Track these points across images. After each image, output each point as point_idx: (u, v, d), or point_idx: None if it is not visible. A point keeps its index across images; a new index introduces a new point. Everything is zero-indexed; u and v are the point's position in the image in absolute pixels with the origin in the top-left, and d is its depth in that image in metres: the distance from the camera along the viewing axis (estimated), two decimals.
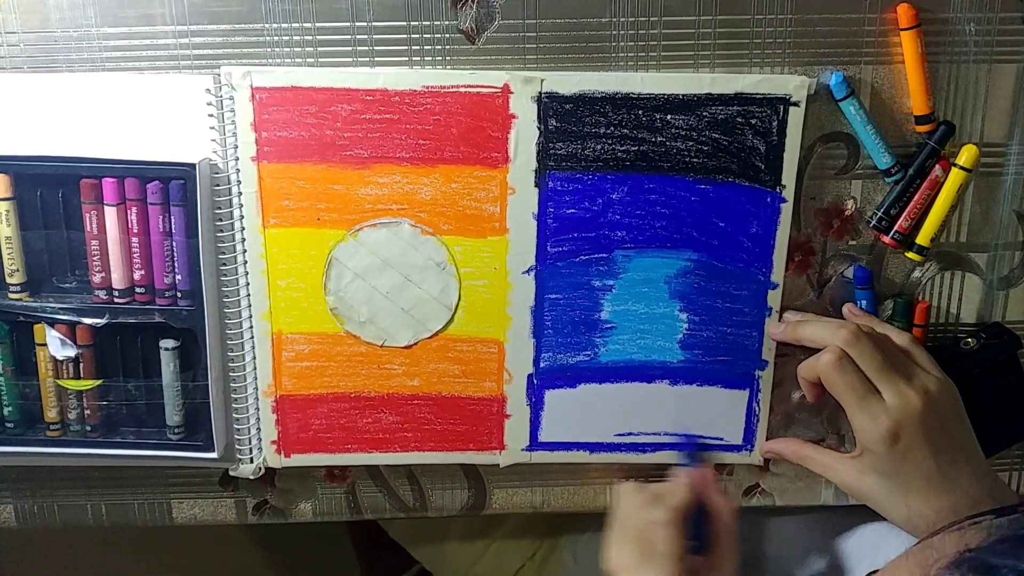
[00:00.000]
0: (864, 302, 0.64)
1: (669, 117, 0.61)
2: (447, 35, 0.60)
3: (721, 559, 0.61)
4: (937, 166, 0.62)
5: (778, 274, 0.64)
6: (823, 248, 0.64)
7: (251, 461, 0.66)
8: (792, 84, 0.60)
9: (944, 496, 0.57)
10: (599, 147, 0.61)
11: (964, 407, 0.60)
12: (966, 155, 0.62)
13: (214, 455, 0.65)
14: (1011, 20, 0.61)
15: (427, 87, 0.60)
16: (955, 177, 0.62)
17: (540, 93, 0.60)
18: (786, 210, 0.62)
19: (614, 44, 0.61)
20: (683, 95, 0.60)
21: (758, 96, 0.60)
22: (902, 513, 0.58)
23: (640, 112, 0.61)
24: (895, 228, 0.63)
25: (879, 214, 0.63)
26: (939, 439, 0.57)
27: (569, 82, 0.60)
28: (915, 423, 0.57)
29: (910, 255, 0.64)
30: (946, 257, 0.65)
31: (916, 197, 0.63)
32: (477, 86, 0.60)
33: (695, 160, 0.62)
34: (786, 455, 0.67)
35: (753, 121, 0.61)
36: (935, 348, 0.66)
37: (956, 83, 0.62)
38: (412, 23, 0.60)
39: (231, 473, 0.67)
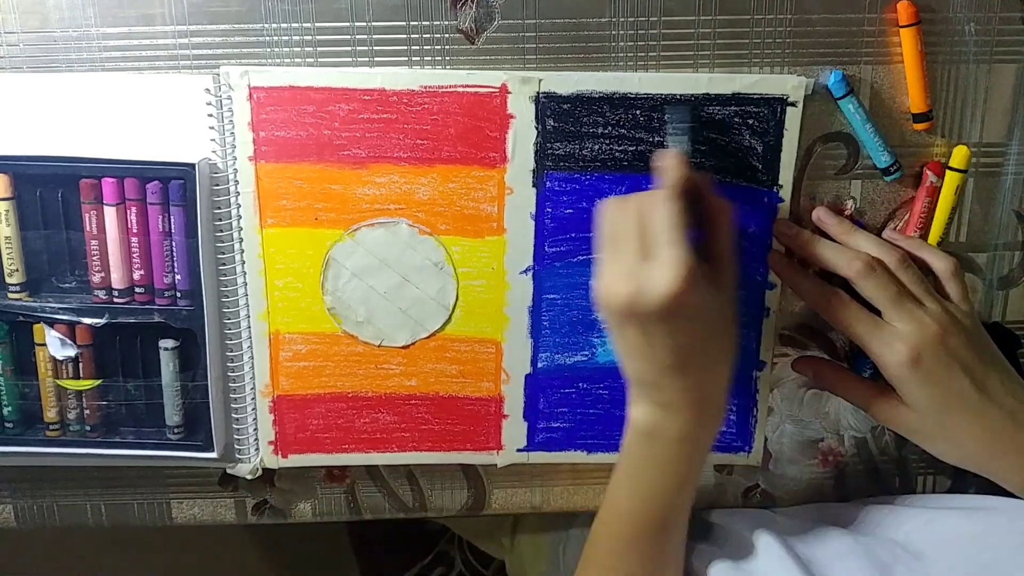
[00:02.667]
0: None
1: (667, 117, 0.61)
2: (447, 35, 0.60)
3: (721, 268, 0.55)
4: (930, 172, 0.62)
5: (775, 275, 0.64)
6: None
7: (250, 461, 0.66)
8: (789, 84, 0.60)
9: (982, 415, 0.57)
10: (597, 147, 0.61)
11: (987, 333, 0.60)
12: (958, 156, 0.62)
13: (213, 455, 0.65)
14: (1011, 20, 0.61)
15: (425, 87, 0.60)
16: (950, 180, 0.62)
17: (538, 93, 0.60)
18: (783, 209, 0.62)
19: (614, 44, 0.61)
20: (680, 95, 0.60)
21: (755, 96, 0.60)
22: (943, 444, 0.59)
23: (638, 112, 0.61)
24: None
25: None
26: (964, 357, 0.57)
27: (567, 82, 0.60)
28: (934, 344, 0.57)
29: None
30: None
31: (917, 207, 0.63)
32: (475, 86, 0.60)
33: (693, 160, 0.61)
34: (816, 374, 0.65)
35: (750, 121, 0.61)
36: None
37: (956, 83, 0.62)
38: (412, 23, 0.60)
39: (229, 472, 0.67)
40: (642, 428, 0.55)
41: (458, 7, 0.60)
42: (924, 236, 0.63)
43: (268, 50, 0.60)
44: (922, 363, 0.57)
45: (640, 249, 0.50)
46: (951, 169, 0.62)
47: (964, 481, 0.70)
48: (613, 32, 0.60)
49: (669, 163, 0.53)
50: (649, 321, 0.50)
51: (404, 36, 0.60)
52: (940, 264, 0.61)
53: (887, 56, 0.61)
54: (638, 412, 0.55)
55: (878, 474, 0.70)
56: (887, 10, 0.60)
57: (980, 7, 0.60)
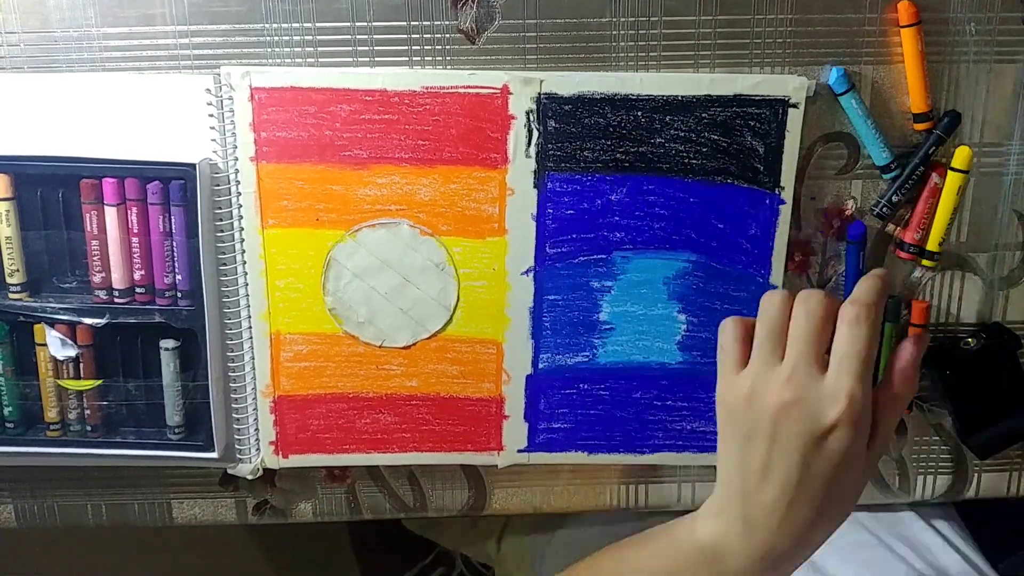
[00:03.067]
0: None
1: (668, 118, 0.61)
2: (447, 35, 0.60)
3: (882, 425, 0.49)
4: (934, 173, 0.62)
5: (777, 276, 0.64)
6: (823, 248, 0.64)
7: (250, 461, 0.66)
8: (791, 86, 0.60)
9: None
10: (598, 148, 0.61)
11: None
12: (960, 157, 0.62)
13: (214, 455, 0.65)
14: (1011, 20, 0.61)
15: (426, 88, 0.60)
16: (952, 180, 0.62)
17: (539, 94, 0.60)
18: (785, 212, 0.62)
19: (614, 44, 0.61)
20: (682, 96, 0.60)
21: (757, 98, 0.60)
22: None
23: (639, 113, 0.61)
24: (908, 241, 0.63)
25: (882, 202, 0.63)
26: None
27: (568, 83, 0.60)
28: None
29: (925, 263, 0.64)
30: (946, 257, 0.65)
31: (920, 207, 0.63)
32: (476, 87, 0.60)
33: (694, 162, 0.62)
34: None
35: (752, 123, 0.61)
36: (935, 348, 0.66)
37: (956, 83, 0.62)
38: (412, 23, 0.60)
39: (230, 472, 0.67)
40: (716, 545, 0.49)
41: (459, 7, 0.60)
42: (926, 236, 0.63)
43: (268, 50, 0.60)
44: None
45: (816, 361, 0.46)
46: (953, 170, 0.62)
47: (963, 481, 0.70)
48: (614, 32, 0.60)
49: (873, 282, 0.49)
50: (791, 440, 0.46)
51: (405, 36, 0.60)
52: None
53: (887, 56, 0.61)
54: (707, 525, 0.49)
55: (878, 474, 0.70)
56: (887, 10, 0.60)
57: (980, 7, 0.60)
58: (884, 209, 0.63)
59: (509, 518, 0.87)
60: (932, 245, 0.63)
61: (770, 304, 0.51)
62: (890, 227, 0.64)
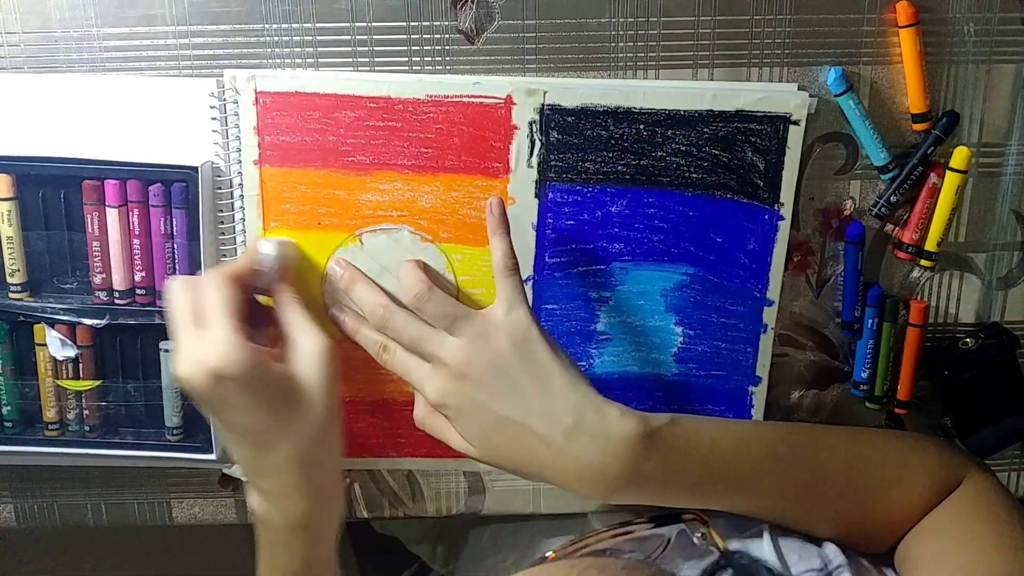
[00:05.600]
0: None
1: (670, 132, 0.61)
2: (447, 35, 0.60)
3: (295, 337, 0.57)
4: (932, 173, 0.62)
5: (774, 291, 0.64)
6: (822, 248, 0.65)
7: None
8: (793, 103, 0.60)
9: (522, 442, 0.55)
10: (599, 160, 0.61)
11: (542, 339, 0.56)
12: (958, 157, 0.62)
13: (212, 456, 0.65)
14: (1011, 20, 0.61)
15: (430, 96, 0.60)
16: (951, 180, 0.62)
17: (542, 105, 0.60)
18: (783, 227, 0.62)
19: (614, 44, 0.61)
20: (684, 111, 0.60)
21: (758, 114, 0.60)
22: (498, 463, 0.58)
23: (641, 127, 0.61)
24: (906, 241, 0.64)
25: (880, 202, 0.63)
26: (491, 391, 0.55)
27: (572, 95, 0.60)
28: (452, 385, 0.56)
29: (924, 263, 0.64)
30: (945, 257, 0.65)
31: (918, 207, 0.63)
32: (480, 96, 0.60)
33: (694, 176, 0.62)
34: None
35: (753, 139, 0.61)
36: (933, 348, 0.66)
37: (955, 83, 0.62)
38: (412, 24, 0.60)
39: (226, 472, 0.67)
40: (256, 514, 0.57)
41: (458, 8, 0.60)
42: (924, 236, 0.63)
43: (269, 51, 0.60)
44: (447, 405, 0.57)
45: (195, 327, 0.52)
46: (951, 170, 0.62)
47: None
48: (613, 32, 0.60)
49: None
50: (207, 397, 0.52)
51: (404, 37, 0.60)
52: (495, 258, 0.58)
53: (887, 56, 0.61)
54: (249, 498, 0.58)
55: None
56: (886, 10, 0.60)
57: (980, 7, 0.60)
58: (882, 209, 0.63)
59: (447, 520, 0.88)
60: (930, 245, 0.64)
61: (170, 292, 0.56)
62: (888, 227, 0.64)
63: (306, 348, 0.56)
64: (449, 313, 0.57)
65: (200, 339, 0.52)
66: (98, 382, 0.64)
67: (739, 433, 0.59)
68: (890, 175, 0.62)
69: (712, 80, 0.61)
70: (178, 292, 0.54)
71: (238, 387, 0.51)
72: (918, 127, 0.62)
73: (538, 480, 0.59)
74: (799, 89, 0.61)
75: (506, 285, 0.58)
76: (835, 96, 0.61)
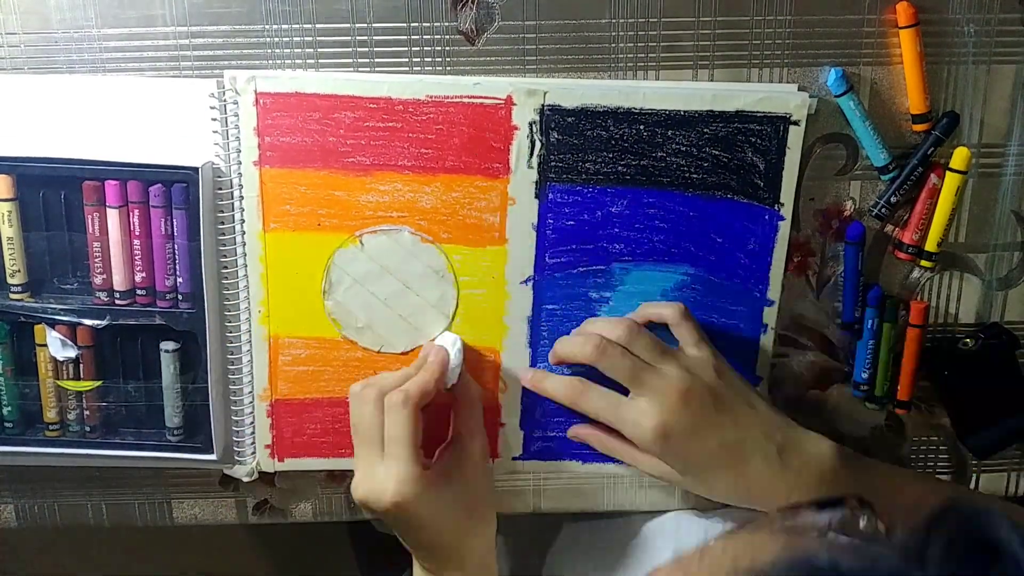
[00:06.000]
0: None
1: (670, 133, 0.61)
2: (447, 36, 0.60)
3: (465, 440, 0.61)
4: (932, 174, 0.62)
5: (774, 291, 0.64)
6: (822, 249, 0.65)
7: (248, 464, 0.66)
8: (793, 103, 0.60)
9: (738, 469, 0.59)
10: (600, 160, 0.61)
11: (732, 369, 0.61)
12: (959, 158, 0.62)
13: (213, 457, 0.65)
14: (1010, 21, 0.61)
15: (431, 96, 0.60)
16: (951, 181, 0.62)
17: (543, 105, 0.60)
18: (784, 228, 0.62)
19: (614, 44, 0.61)
20: (684, 111, 0.60)
21: (759, 114, 0.60)
22: (712, 494, 0.61)
23: (642, 127, 0.61)
24: (906, 241, 0.64)
25: (880, 203, 0.63)
26: (709, 415, 0.58)
27: (572, 95, 0.60)
28: (675, 413, 0.58)
29: (924, 263, 0.64)
30: (945, 257, 0.65)
31: (918, 208, 0.63)
32: (480, 97, 0.60)
33: (695, 176, 0.62)
34: (592, 443, 0.65)
35: (753, 139, 0.61)
36: (934, 348, 0.66)
37: (955, 84, 0.62)
38: (412, 24, 0.60)
39: (226, 473, 0.67)
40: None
41: (458, 8, 0.60)
42: (924, 237, 0.63)
43: (269, 51, 0.60)
44: (669, 435, 0.58)
45: (378, 452, 0.57)
46: (951, 170, 0.62)
47: (963, 481, 0.70)
48: (613, 33, 0.60)
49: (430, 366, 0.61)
50: (384, 519, 0.58)
51: (404, 37, 0.60)
52: (666, 312, 0.61)
53: (887, 57, 0.61)
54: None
55: None
56: (886, 11, 0.60)
57: (979, 8, 0.60)
58: (883, 210, 0.63)
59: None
60: (930, 246, 0.64)
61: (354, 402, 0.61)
62: (888, 228, 0.64)
63: (476, 450, 0.61)
64: (658, 347, 0.60)
65: (382, 467, 0.57)
66: (98, 382, 0.64)
67: (914, 489, 0.61)
68: (890, 176, 0.62)
69: (712, 81, 0.61)
70: (368, 411, 0.58)
71: (413, 515, 0.57)
72: (918, 128, 0.62)
73: (751, 505, 0.61)
74: (799, 90, 0.61)
75: (688, 327, 0.61)
76: (835, 97, 0.61)
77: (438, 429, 0.63)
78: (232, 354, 0.64)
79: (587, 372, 0.62)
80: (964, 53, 0.61)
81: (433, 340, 0.64)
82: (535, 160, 0.61)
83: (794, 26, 0.61)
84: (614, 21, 0.60)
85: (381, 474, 0.56)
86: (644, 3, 0.60)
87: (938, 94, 0.62)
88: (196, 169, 0.59)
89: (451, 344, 0.62)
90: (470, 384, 0.63)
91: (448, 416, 0.63)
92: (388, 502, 0.56)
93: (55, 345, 0.63)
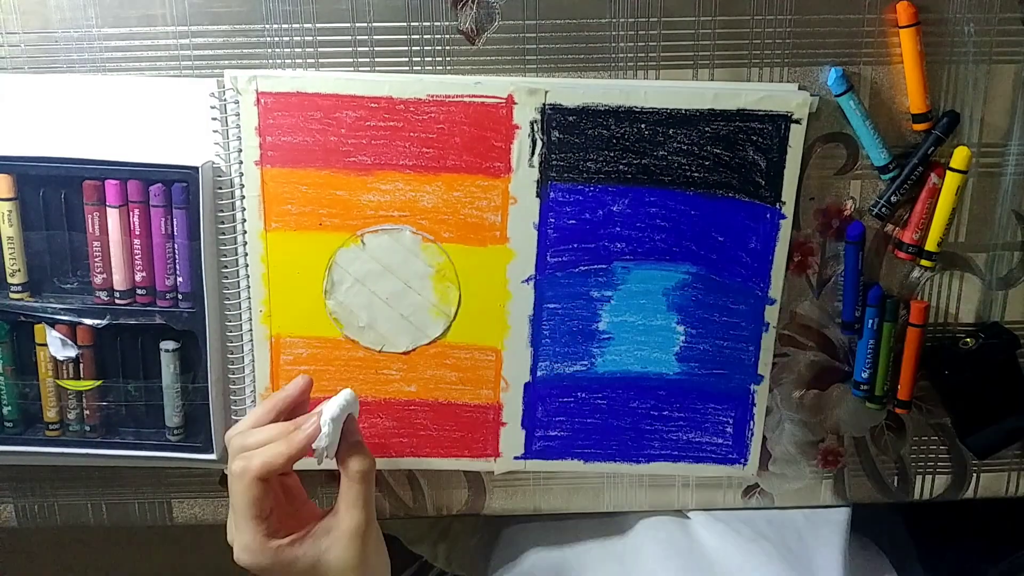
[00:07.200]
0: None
1: (671, 131, 0.61)
2: (447, 36, 0.60)
3: (341, 515, 0.57)
4: (933, 173, 0.62)
5: (776, 290, 0.64)
6: (823, 248, 0.65)
7: None
8: (794, 102, 0.60)
9: None
10: (601, 159, 0.61)
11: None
12: (959, 157, 0.62)
13: (213, 456, 0.65)
14: (1010, 20, 0.61)
15: (432, 96, 0.60)
16: (951, 180, 0.62)
17: (544, 104, 0.60)
18: (785, 226, 0.62)
19: (614, 44, 0.61)
20: (686, 110, 0.60)
21: (760, 113, 0.60)
22: None
23: (643, 126, 0.61)
24: (907, 241, 0.64)
25: (880, 202, 0.63)
26: None
27: (573, 94, 0.60)
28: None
29: (924, 263, 0.64)
30: (945, 257, 0.65)
31: (919, 207, 0.63)
32: (481, 96, 0.60)
33: (696, 174, 0.62)
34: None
35: (754, 137, 0.61)
36: (934, 348, 0.66)
37: (955, 83, 0.62)
38: (412, 24, 0.60)
39: (227, 473, 0.67)
40: None
41: (458, 8, 0.60)
42: (924, 236, 0.63)
43: (269, 51, 0.60)
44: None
45: (234, 518, 0.57)
46: (951, 170, 0.62)
47: (963, 481, 0.70)
48: (613, 32, 0.60)
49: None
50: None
51: (405, 37, 0.60)
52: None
53: (887, 56, 0.61)
54: None
55: (877, 474, 0.70)
56: (887, 10, 0.60)
57: (980, 7, 0.60)
58: (883, 209, 0.63)
59: (451, 520, 0.88)
60: (931, 245, 0.64)
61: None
62: (889, 227, 0.64)
63: (347, 528, 0.57)
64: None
65: (236, 532, 0.57)
66: (98, 382, 0.64)
67: None
68: (890, 175, 0.62)
69: (713, 80, 0.61)
70: (231, 482, 0.56)
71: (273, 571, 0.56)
72: (918, 127, 0.62)
73: None
74: (799, 89, 0.61)
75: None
76: (835, 96, 0.61)
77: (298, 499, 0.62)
78: (232, 354, 0.64)
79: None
80: (964, 53, 0.61)
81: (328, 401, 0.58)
82: (536, 159, 0.61)
83: (794, 26, 0.61)
84: (614, 21, 0.60)
85: (236, 538, 0.57)
86: (644, 3, 0.60)
87: (938, 93, 0.62)
88: (196, 169, 0.59)
89: (329, 417, 0.56)
90: (356, 458, 0.57)
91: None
92: (243, 563, 0.57)
93: (55, 345, 0.63)
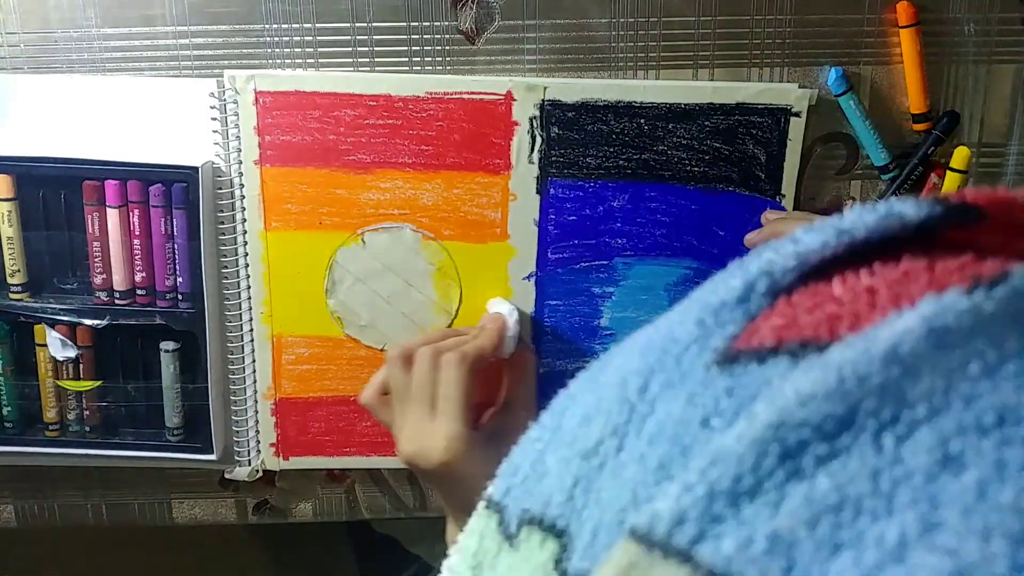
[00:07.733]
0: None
1: (671, 126, 0.61)
2: (447, 35, 0.60)
3: (515, 407, 0.60)
4: (933, 174, 0.62)
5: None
6: None
7: (249, 464, 0.66)
8: (794, 95, 0.60)
9: None
10: (600, 155, 0.61)
11: None
12: (959, 158, 0.62)
13: (213, 457, 0.65)
14: (1010, 20, 0.61)
15: (430, 93, 0.60)
16: (951, 180, 0.62)
17: (543, 101, 0.60)
18: None
19: (614, 44, 0.61)
20: (685, 104, 0.60)
21: (759, 106, 0.60)
22: None
23: (642, 121, 0.61)
24: None
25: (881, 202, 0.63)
26: None
27: (572, 90, 0.60)
28: None
29: None
30: None
31: None
32: (480, 93, 0.60)
33: (696, 169, 0.62)
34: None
35: (754, 131, 0.61)
36: None
37: (955, 83, 0.62)
38: (412, 24, 0.60)
39: (227, 476, 0.67)
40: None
41: (458, 8, 0.60)
42: None
43: (269, 51, 0.60)
44: None
45: (429, 410, 0.56)
46: (952, 170, 0.62)
47: None
48: (613, 32, 0.60)
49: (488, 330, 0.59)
50: (427, 477, 0.58)
51: (405, 37, 0.60)
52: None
53: (887, 56, 0.61)
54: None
55: None
56: (887, 11, 0.60)
57: (980, 8, 0.60)
58: None
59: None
60: None
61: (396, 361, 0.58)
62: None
63: (524, 422, 0.58)
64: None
65: (432, 426, 0.55)
66: (98, 382, 0.64)
67: None
68: (890, 175, 0.62)
69: (712, 80, 0.61)
70: (423, 367, 0.56)
71: (459, 475, 0.54)
72: (918, 127, 0.62)
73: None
74: (800, 88, 0.61)
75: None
76: (835, 96, 0.61)
77: (484, 395, 0.61)
78: (232, 354, 0.64)
79: None
80: (964, 53, 0.61)
81: (489, 308, 0.64)
82: (536, 155, 0.61)
83: (794, 25, 0.61)
84: (614, 21, 0.60)
85: (431, 432, 0.55)
86: (644, 3, 0.60)
87: (938, 93, 0.62)
88: (196, 169, 0.59)
89: (509, 312, 0.62)
90: (526, 353, 0.62)
91: (497, 384, 0.62)
92: (437, 460, 0.54)
93: (55, 345, 0.63)
